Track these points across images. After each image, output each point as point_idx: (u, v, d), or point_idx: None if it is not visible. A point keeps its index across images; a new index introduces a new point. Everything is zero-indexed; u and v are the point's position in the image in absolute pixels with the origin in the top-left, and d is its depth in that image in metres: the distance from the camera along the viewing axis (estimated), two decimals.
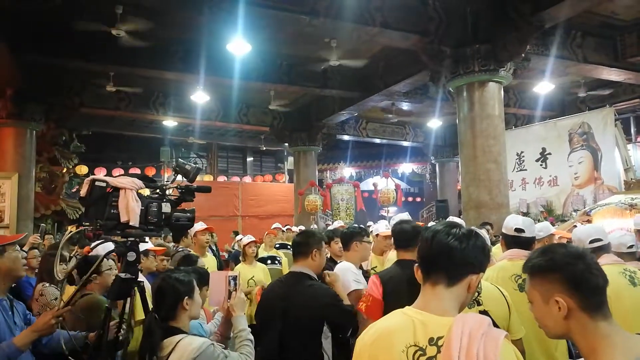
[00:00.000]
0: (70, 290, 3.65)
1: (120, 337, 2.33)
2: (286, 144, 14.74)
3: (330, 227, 7.09)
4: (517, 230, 2.92)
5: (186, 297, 2.14)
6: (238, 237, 9.09)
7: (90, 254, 2.94)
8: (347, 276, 3.24)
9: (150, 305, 2.27)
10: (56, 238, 8.62)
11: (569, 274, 1.26)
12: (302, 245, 2.81)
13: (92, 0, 7.44)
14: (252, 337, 2.31)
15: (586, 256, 1.30)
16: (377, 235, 4.34)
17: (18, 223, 9.61)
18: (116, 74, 9.81)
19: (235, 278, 2.41)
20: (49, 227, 10.09)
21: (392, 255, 4.31)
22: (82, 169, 14.02)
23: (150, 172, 16.26)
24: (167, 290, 2.13)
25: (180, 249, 4.55)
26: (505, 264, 2.89)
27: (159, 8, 7.31)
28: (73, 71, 9.84)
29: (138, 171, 15.97)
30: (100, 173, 14.09)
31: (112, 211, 2.19)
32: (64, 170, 11.94)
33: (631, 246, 3.28)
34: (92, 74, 10.09)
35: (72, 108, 10.86)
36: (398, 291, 2.66)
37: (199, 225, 5.46)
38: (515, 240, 2.92)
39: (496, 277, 2.81)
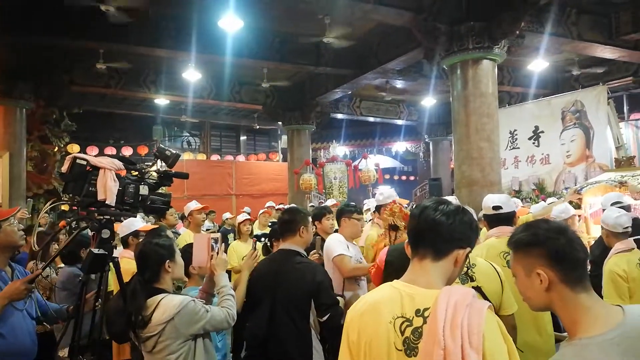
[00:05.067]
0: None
1: (97, 308, 2.42)
2: (280, 123, 14.63)
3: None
4: (495, 207, 2.97)
5: (168, 260, 2.29)
6: (229, 216, 9.18)
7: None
8: (333, 242, 3.46)
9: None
10: (50, 218, 8.61)
11: (550, 248, 1.30)
12: (290, 223, 2.86)
13: None
14: (233, 292, 2.43)
15: (567, 231, 1.33)
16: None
17: (10, 202, 9.57)
18: (106, 52, 9.64)
19: (217, 240, 2.52)
20: (41, 206, 10.07)
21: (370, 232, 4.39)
22: (74, 148, 13.89)
23: (143, 150, 16.15)
24: (149, 255, 2.28)
25: None
26: (493, 241, 2.94)
27: None
28: (62, 48, 9.65)
29: (130, 150, 15.89)
30: (92, 152, 14.01)
31: (90, 189, 2.26)
32: (56, 149, 11.85)
33: (627, 227, 3.32)
34: (81, 52, 9.90)
35: (61, 86, 10.71)
36: (395, 262, 2.81)
37: (194, 204, 5.44)
38: (495, 218, 2.98)
39: (486, 255, 2.86)
